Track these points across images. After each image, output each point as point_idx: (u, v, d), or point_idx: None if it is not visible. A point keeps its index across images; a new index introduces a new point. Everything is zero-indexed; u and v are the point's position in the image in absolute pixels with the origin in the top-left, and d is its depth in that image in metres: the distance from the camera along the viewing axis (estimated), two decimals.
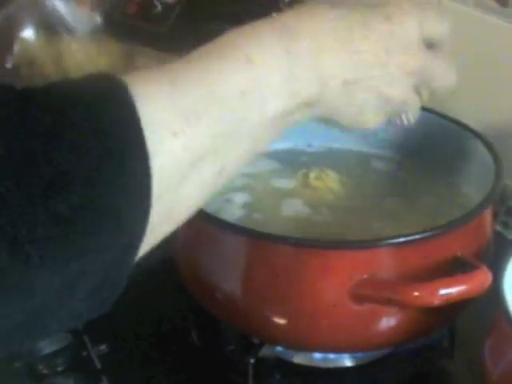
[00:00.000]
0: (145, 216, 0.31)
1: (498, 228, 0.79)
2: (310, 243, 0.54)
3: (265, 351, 0.58)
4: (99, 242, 0.29)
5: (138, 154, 0.30)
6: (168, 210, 0.34)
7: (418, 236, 0.52)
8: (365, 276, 0.51)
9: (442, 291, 0.49)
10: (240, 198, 0.66)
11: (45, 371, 0.62)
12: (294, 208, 0.64)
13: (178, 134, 0.33)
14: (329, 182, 0.67)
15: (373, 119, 0.47)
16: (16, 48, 0.62)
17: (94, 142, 0.28)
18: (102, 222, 0.29)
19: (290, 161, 0.72)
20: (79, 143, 0.28)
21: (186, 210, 0.37)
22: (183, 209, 0.36)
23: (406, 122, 0.51)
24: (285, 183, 0.68)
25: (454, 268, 0.52)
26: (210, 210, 0.56)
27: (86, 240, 0.29)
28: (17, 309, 0.28)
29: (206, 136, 0.35)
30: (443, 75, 0.49)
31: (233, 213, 0.64)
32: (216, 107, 0.35)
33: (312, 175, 0.68)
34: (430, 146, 0.70)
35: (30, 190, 0.26)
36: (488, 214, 0.59)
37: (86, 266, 0.29)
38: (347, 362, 0.61)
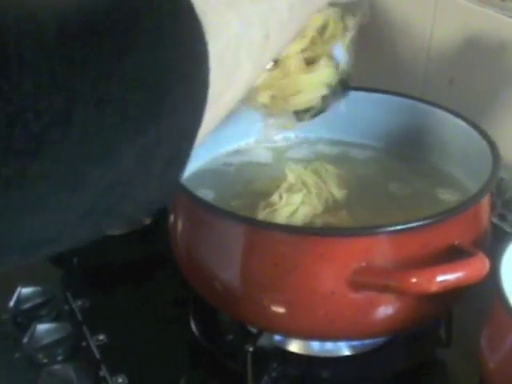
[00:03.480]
0: (206, 74, 0.32)
1: (495, 220, 0.79)
2: (308, 231, 0.55)
3: (263, 340, 0.58)
4: (170, 106, 0.31)
5: (189, 13, 0.32)
6: (228, 74, 0.35)
7: (415, 224, 0.52)
8: (363, 264, 0.52)
9: (440, 278, 0.49)
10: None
11: (45, 361, 0.62)
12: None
13: None
14: (328, 176, 0.67)
15: None
16: None
17: (151, 8, 0.30)
18: (169, 83, 0.30)
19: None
20: (137, 9, 0.30)
21: (244, 80, 0.38)
22: (241, 77, 0.37)
23: None
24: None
25: (452, 256, 0.52)
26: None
27: (159, 102, 0.30)
28: (101, 175, 0.29)
29: None
30: None
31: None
32: None
33: (310, 169, 0.68)
34: (428, 137, 0.70)
35: (103, 52, 0.28)
36: (485, 203, 0.59)
37: (161, 133, 0.31)
38: (345, 350, 0.62)
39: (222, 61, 0.34)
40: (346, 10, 0.58)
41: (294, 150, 0.74)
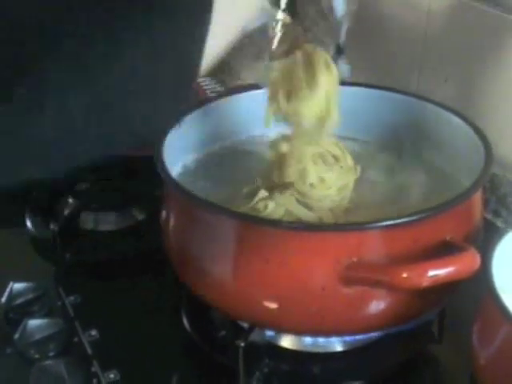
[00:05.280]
0: None
1: (489, 217, 0.79)
2: (299, 227, 0.55)
3: (255, 336, 0.58)
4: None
5: None
6: None
7: (406, 219, 0.52)
8: (354, 259, 0.52)
9: (431, 273, 0.49)
10: None
11: (36, 356, 0.62)
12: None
13: None
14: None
15: None
16: None
17: None
18: None
19: None
20: None
21: None
22: None
23: None
24: None
25: (443, 251, 0.52)
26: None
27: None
28: (107, 70, 0.31)
29: None
30: None
31: None
32: None
33: None
34: (422, 132, 0.70)
35: None
36: (477, 199, 0.59)
37: (173, 35, 0.32)
38: (337, 346, 0.62)
39: None
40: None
41: None
